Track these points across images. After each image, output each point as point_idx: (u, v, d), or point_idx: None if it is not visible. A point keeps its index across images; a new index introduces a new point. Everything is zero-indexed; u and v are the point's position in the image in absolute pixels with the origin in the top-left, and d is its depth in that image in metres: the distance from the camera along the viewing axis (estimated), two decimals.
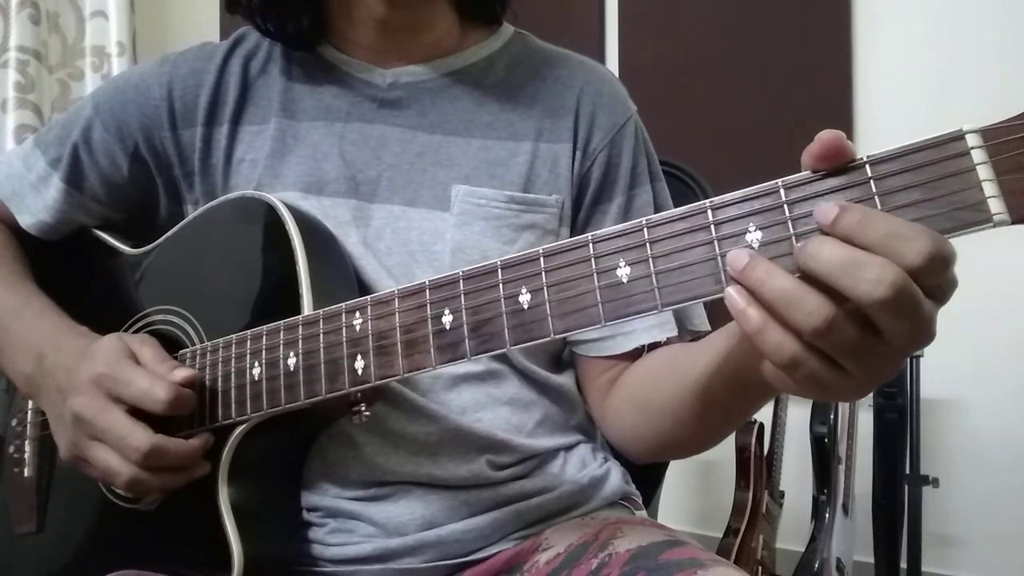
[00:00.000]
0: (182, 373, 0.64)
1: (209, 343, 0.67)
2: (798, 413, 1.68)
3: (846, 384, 0.43)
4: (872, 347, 0.41)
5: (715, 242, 0.45)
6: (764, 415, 1.65)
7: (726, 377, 0.57)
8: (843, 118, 1.86)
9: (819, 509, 1.64)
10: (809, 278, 0.41)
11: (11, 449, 0.80)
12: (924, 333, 0.41)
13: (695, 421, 0.64)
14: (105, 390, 0.63)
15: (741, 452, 1.64)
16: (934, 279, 0.40)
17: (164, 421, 0.63)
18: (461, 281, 0.53)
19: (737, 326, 0.51)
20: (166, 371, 0.64)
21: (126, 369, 0.63)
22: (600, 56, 2.13)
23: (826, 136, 0.42)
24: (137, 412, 0.63)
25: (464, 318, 0.53)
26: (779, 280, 0.41)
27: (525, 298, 0.50)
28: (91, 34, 2.34)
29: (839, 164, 0.43)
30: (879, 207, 0.41)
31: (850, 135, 1.91)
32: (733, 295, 0.43)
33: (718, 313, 0.59)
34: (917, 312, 0.40)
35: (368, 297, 0.58)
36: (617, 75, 0.85)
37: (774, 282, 0.41)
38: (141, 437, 0.61)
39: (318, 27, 0.77)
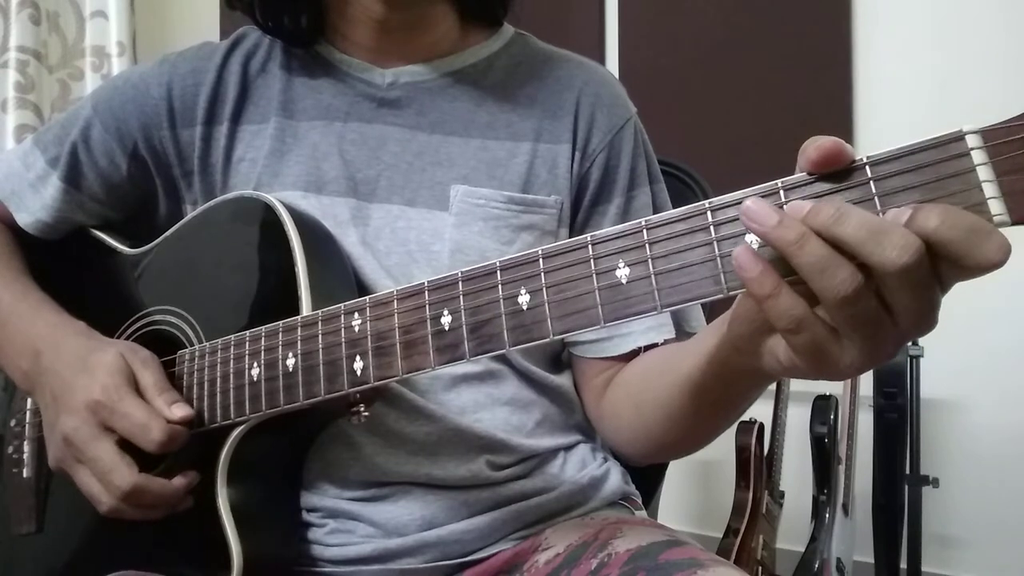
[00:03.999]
0: (180, 412, 0.63)
1: (208, 344, 0.67)
2: (798, 413, 1.68)
3: (844, 358, 0.43)
4: (881, 323, 0.42)
5: (714, 243, 0.45)
6: (764, 415, 1.65)
7: (716, 365, 0.57)
8: (843, 118, 1.86)
9: (819, 509, 1.64)
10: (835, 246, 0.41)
11: (10, 450, 0.80)
12: (930, 316, 0.41)
13: (687, 417, 0.64)
14: (99, 418, 0.63)
15: (741, 452, 1.64)
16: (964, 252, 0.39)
17: None
18: (460, 282, 0.53)
19: (727, 312, 0.52)
20: (163, 405, 0.63)
21: (123, 400, 0.63)
22: (600, 56, 2.13)
23: (826, 144, 0.42)
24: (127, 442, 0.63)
25: (463, 319, 0.53)
26: (816, 246, 0.41)
27: (524, 299, 0.50)
28: (91, 34, 2.34)
29: (836, 169, 0.43)
30: (879, 208, 0.41)
31: (850, 135, 1.90)
32: (746, 258, 0.42)
33: (717, 314, 0.59)
34: (930, 290, 0.40)
35: (367, 298, 0.58)
36: (617, 75, 0.85)
37: (811, 247, 0.41)
38: (124, 476, 0.62)
39: (317, 25, 0.77)
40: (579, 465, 0.76)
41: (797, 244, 0.41)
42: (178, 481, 0.63)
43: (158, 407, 0.63)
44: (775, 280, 0.42)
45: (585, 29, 2.15)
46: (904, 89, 1.83)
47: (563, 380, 0.78)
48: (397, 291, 0.56)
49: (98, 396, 0.63)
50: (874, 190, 0.42)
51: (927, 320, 0.41)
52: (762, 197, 0.44)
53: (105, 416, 0.63)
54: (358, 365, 0.57)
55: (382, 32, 0.76)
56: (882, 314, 0.41)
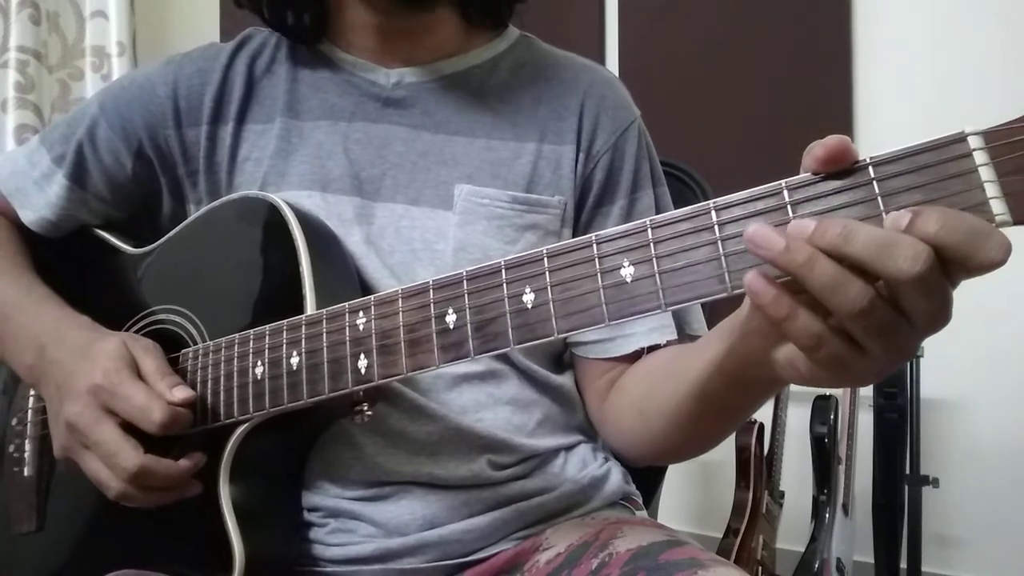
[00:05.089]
0: (181, 394, 0.63)
1: (212, 342, 0.67)
2: (798, 413, 1.68)
3: (865, 366, 0.44)
4: (898, 327, 0.42)
5: (719, 242, 0.45)
6: (764, 415, 1.65)
7: (727, 375, 0.56)
8: (843, 118, 1.86)
9: (819, 509, 1.64)
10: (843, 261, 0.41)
11: (11, 448, 0.80)
12: (945, 313, 0.41)
13: (693, 423, 0.64)
14: (101, 401, 0.63)
15: (741, 452, 1.64)
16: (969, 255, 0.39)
17: None
18: (465, 281, 0.53)
19: (736, 321, 0.52)
20: (165, 388, 0.63)
21: (124, 383, 0.63)
22: (600, 56, 2.14)
23: (832, 141, 0.43)
24: (131, 426, 0.63)
25: (468, 317, 0.53)
26: (826, 266, 0.41)
27: (529, 297, 0.50)
28: (91, 34, 2.34)
29: (841, 168, 0.43)
30: (882, 208, 0.42)
31: (850, 135, 1.91)
32: (759, 284, 0.43)
33: (719, 314, 0.59)
34: (942, 290, 0.41)
35: (371, 297, 0.59)
36: (617, 75, 0.85)
37: (821, 268, 0.41)
38: (130, 456, 0.61)
39: (320, 25, 0.78)
40: (580, 465, 0.76)
41: (807, 266, 0.41)
42: (185, 463, 0.63)
43: (159, 390, 0.63)
44: (790, 303, 0.42)
45: (585, 29, 2.15)
46: (904, 89, 1.83)
47: (565, 379, 0.78)
48: (402, 290, 0.57)
49: (99, 380, 0.63)
50: (877, 190, 0.42)
51: (942, 317, 0.42)
52: (767, 197, 0.44)
53: (106, 399, 0.63)
54: (362, 363, 0.57)
55: (383, 36, 0.77)
56: (898, 319, 0.42)
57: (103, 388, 0.63)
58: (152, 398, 0.62)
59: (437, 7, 0.75)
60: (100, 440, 0.62)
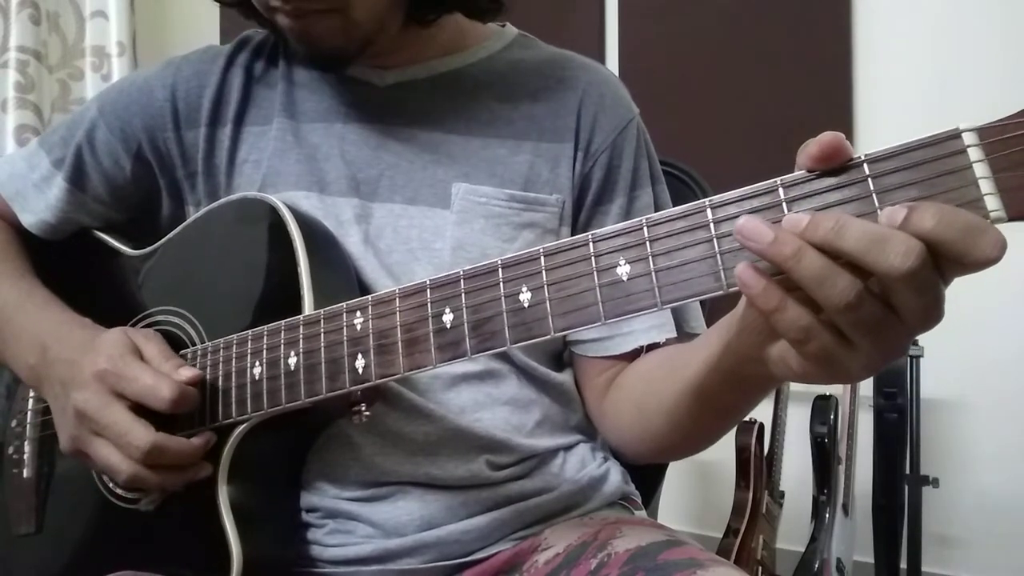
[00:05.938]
0: (187, 372, 0.64)
1: (210, 343, 0.67)
2: (798, 413, 1.68)
3: (855, 361, 0.44)
4: (888, 323, 0.42)
5: (714, 240, 0.45)
6: (764, 415, 1.65)
7: (724, 373, 0.57)
8: (843, 118, 1.86)
9: (819, 509, 1.64)
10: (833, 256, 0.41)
11: (10, 450, 0.80)
12: (936, 312, 0.41)
13: (692, 421, 0.64)
14: (108, 386, 0.64)
15: (741, 452, 1.64)
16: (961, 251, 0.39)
17: (166, 420, 0.63)
18: (462, 280, 0.53)
19: (733, 319, 0.52)
20: (171, 369, 0.64)
21: (130, 365, 0.64)
22: (600, 56, 2.14)
23: (826, 138, 0.43)
24: (140, 409, 0.63)
25: (465, 317, 0.53)
26: (813, 258, 0.41)
27: (525, 296, 0.51)
28: (91, 34, 2.34)
29: (836, 165, 0.43)
30: (877, 205, 0.42)
31: (850, 135, 1.91)
32: (749, 275, 0.43)
33: (717, 313, 0.59)
34: (934, 288, 0.40)
35: (369, 296, 0.59)
36: (617, 75, 0.85)
37: (808, 260, 0.41)
38: (142, 435, 0.62)
39: None
40: (579, 465, 0.76)
41: (794, 259, 0.41)
42: (197, 440, 0.64)
43: (165, 371, 0.64)
44: (779, 294, 0.43)
45: (585, 29, 2.15)
46: (904, 89, 1.83)
47: (565, 377, 0.78)
48: (399, 290, 0.57)
49: (104, 365, 0.64)
50: (872, 187, 0.42)
51: (934, 315, 0.42)
52: (762, 194, 0.44)
53: (113, 382, 0.63)
54: (360, 363, 0.58)
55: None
56: (888, 315, 0.42)
57: (109, 372, 0.64)
58: (159, 377, 0.63)
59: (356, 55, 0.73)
60: (111, 422, 0.63)
